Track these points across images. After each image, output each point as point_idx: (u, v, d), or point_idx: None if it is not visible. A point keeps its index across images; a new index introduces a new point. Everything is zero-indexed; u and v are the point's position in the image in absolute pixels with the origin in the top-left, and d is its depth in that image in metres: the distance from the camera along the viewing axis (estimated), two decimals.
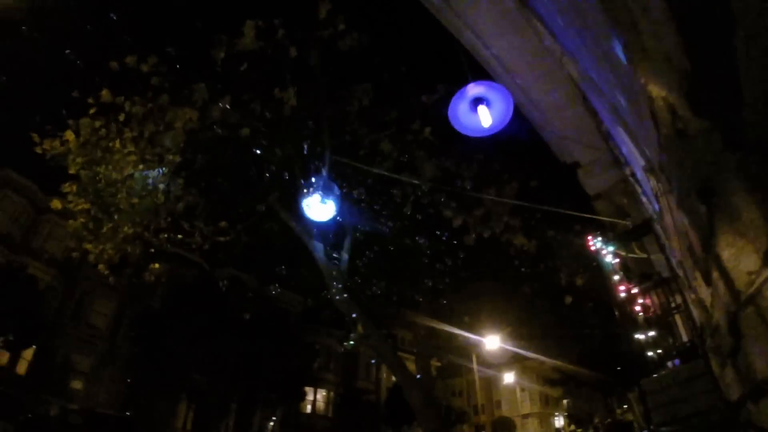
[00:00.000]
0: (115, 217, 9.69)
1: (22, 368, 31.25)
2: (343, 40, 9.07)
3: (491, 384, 57.64)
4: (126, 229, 9.79)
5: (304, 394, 37.62)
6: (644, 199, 7.24)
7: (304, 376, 35.03)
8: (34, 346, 31.09)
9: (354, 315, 9.65)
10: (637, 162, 5.48)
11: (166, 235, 10.29)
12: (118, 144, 9.32)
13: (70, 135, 9.27)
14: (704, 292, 3.68)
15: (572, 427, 45.93)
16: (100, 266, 10.25)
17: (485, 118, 5.36)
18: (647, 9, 2.03)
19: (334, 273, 9.79)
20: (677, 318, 7.49)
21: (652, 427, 5.97)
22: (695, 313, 6.02)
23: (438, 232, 11.09)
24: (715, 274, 2.62)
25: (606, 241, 8.97)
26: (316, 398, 42.67)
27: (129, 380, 31.98)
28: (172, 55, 9.46)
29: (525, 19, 6.69)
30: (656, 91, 2.27)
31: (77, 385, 33.37)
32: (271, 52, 8.93)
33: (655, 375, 6.76)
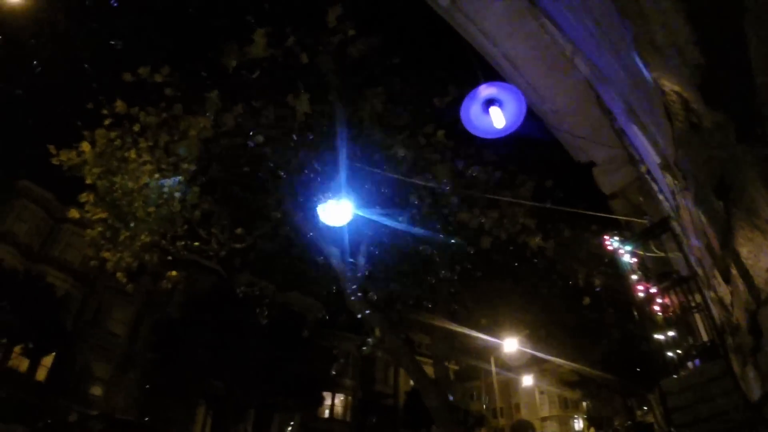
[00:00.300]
0: (132, 225, 9.80)
1: (41, 375, 31.76)
2: (353, 45, 9.13)
3: (510, 387, 57.12)
4: (143, 237, 9.90)
5: (322, 399, 37.67)
6: (661, 197, 7.15)
7: (322, 380, 35.09)
8: (53, 353, 31.60)
9: (371, 320, 9.65)
10: (652, 159, 5.42)
11: (183, 243, 10.39)
12: (133, 154, 9.45)
13: (86, 146, 9.41)
14: (723, 290, 3.62)
15: (592, 429, 45.36)
16: (118, 274, 10.37)
17: (498, 120, 5.35)
18: (656, 1, 2.01)
19: (351, 278, 9.80)
20: (697, 317, 7.36)
21: (672, 428, 5.89)
22: (715, 311, 5.94)
23: (454, 235, 11.02)
24: (734, 272, 2.58)
25: (623, 241, 8.86)
26: (334, 403, 42.70)
27: (147, 386, 32.26)
28: (184, 65, 9.57)
29: (534, 18, 6.68)
30: (668, 84, 2.24)
31: (96, 391, 33.80)
32: (282, 59, 9.00)
33: (675, 376, 6.67)
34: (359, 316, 9.73)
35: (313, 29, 9.03)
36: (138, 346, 35.36)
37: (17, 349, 29.54)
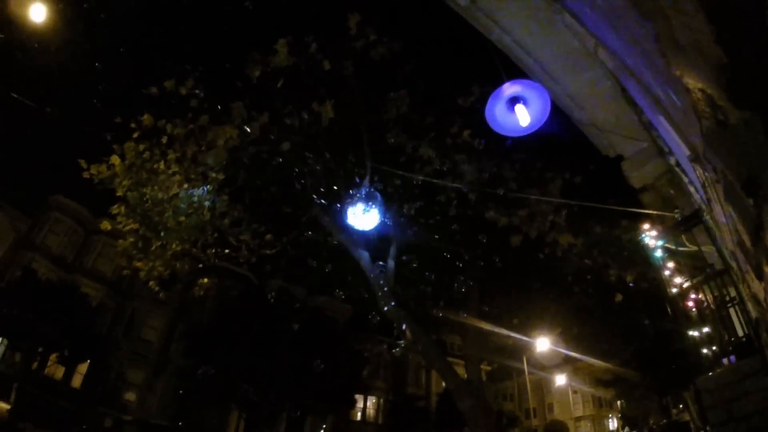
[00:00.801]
0: (163, 235, 9.96)
1: (77, 382, 32.68)
2: (375, 50, 9.13)
3: (543, 387, 56.45)
4: (174, 246, 10.06)
5: (354, 402, 37.76)
6: (691, 189, 7.00)
7: (354, 383, 35.17)
8: (88, 361, 32.44)
9: (402, 322, 9.64)
10: (681, 151, 5.31)
11: (213, 251, 10.54)
12: (162, 165, 9.58)
13: (115, 159, 9.55)
14: (757, 287, 3.54)
15: (626, 429, 44.46)
16: (151, 283, 10.57)
17: (523, 117, 5.29)
18: (676, 1, 1.98)
19: (381, 281, 9.79)
20: (732, 312, 7.19)
21: (708, 427, 5.78)
22: (750, 306, 5.79)
23: (483, 234, 10.96)
24: (767, 268, 2.53)
25: (655, 235, 8.71)
26: (366, 405, 42.82)
27: (181, 391, 32.82)
28: (208, 77, 9.71)
29: (555, 13, 6.60)
30: (692, 83, 2.21)
31: (130, 397, 34.57)
32: (305, 67, 9.06)
33: (710, 373, 6.54)
34: (390, 318, 9.73)
35: (335, 36, 9.08)
36: (171, 352, 36.02)
37: (53, 357, 30.43)
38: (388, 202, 9.00)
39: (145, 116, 9.41)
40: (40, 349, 29.10)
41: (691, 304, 7.96)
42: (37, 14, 9.52)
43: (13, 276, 30.21)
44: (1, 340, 29.79)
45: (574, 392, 55.74)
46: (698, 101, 2.26)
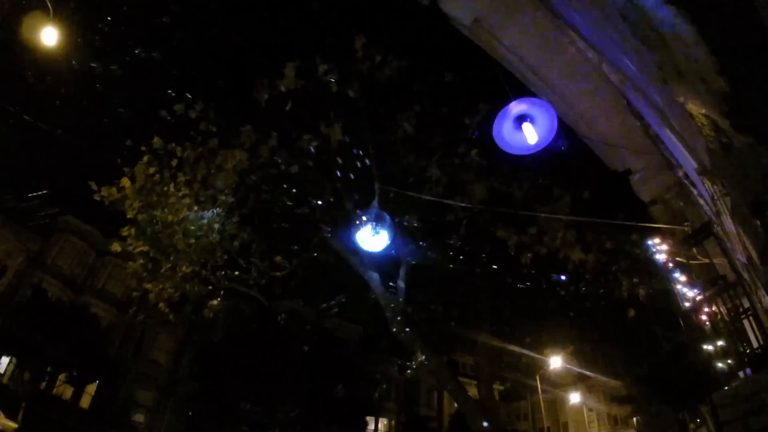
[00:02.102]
0: (173, 257, 10.00)
1: (85, 402, 32.54)
2: (381, 71, 9.22)
3: (557, 405, 55.46)
4: (184, 268, 10.10)
5: (365, 424, 37.25)
6: (701, 201, 6.96)
7: (365, 405, 34.77)
8: (97, 381, 32.34)
9: (413, 343, 9.58)
10: (689, 164, 5.30)
11: (223, 273, 10.58)
12: (172, 188, 9.66)
13: (126, 182, 9.63)
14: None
15: None
16: (161, 304, 10.60)
17: (531, 136, 5.31)
18: (676, 33, 2.01)
19: (392, 302, 9.77)
20: (746, 323, 7.10)
21: None
22: (765, 318, 5.72)
23: (494, 253, 10.92)
24: None
25: (666, 249, 8.64)
26: (377, 427, 42.19)
27: (190, 413, 32.61)
28: (217, 101, 9.84)
29: (559, 30, 6.65)
30: (696, 109, 2.24)
31: (140, 418, 34.41)
32: (312, 90, 9.16)
33: (726, 387, 6.44)
34: (401, 339, 9.67)
35: (341, 58, 9.18)
36: (180, 373, 35.90)
37: (62, 377, 30.36)
38: (398, 223, 8.99)
39: (156, 139, 9.50)
40: (48, 369, 29.08)
41: (704, 317, 7.87)
42: (49, 38, 9.68)
43: (24, 296, 30.40)
44: (10, 359, 29.90)
45: (589, 410, 54.73)
46: (703, 126, 2.29)
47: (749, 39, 1.71)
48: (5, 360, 30.27)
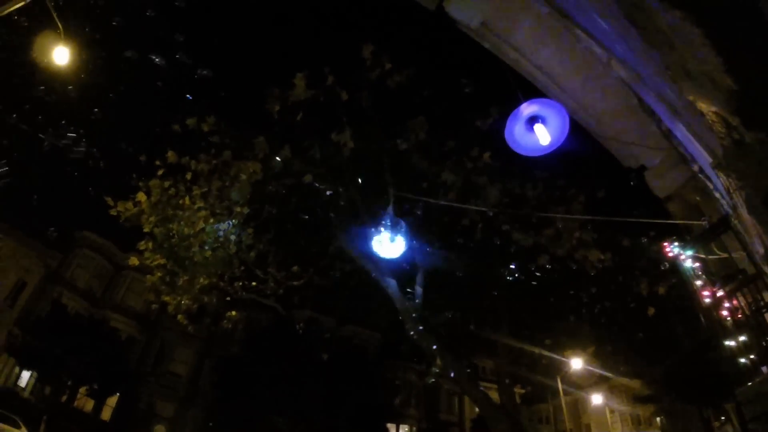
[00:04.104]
0: (191, 269, 10.07)
1: (106, 414, 32.91)
2: (391, 78, 9.25)
3: (579, 407, 54.81)
4: (202, 280, 10.18)
5: (386, 431, 37.17)
6: (717, 195, 6.88)
7: (386, 412, 34.64)
8: (117, 394, 32.65)
9: (432, 348, 9.54)
10: (703, 158, 5.25)
11: (240, 284, 10.64)
12: (187, 201, 9.75)
13: (141, 196, 9.75)
14: None
15: None
16: (179, 316, 10.69)
17: (543, 136, 5.28)
18: (682, 34, 2.03)
19: (410, 308, 9.76)
20: None
21: None
22: None
23: (510, 256, 10.85)
24: None
25: (683, 245, 8.55)
26: None
27: (211, 424, 32.74)
28: (230, 113, 9.94)
29: (567, 29, 6.64)
30: (706, 107, 2.25)
31: (160, 429, 34.65)
32: (323, 99, 9.20)
33: (749, 383, 6.34)
34: (420, 345, 9.64)
35: (351, 67, 9.24)
36: (200, 384, 36.07)
37: (83, 390, 30.72)
38: (413, 229, 8.98)
39: (169, 153, 9.61)
40: (69, 382, 29.40)
41: (725, 312, 7.77)
42: (61, 58, 9.85)
43: (43, 310, 30.83)
44: (31, 373, 30.31)
45: (611, 411, 54.03)
46: (714, 123, 2.31)
47: (755, 39, 1.72)
48: (26, 374, 30.75)
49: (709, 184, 7.01)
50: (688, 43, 2.02)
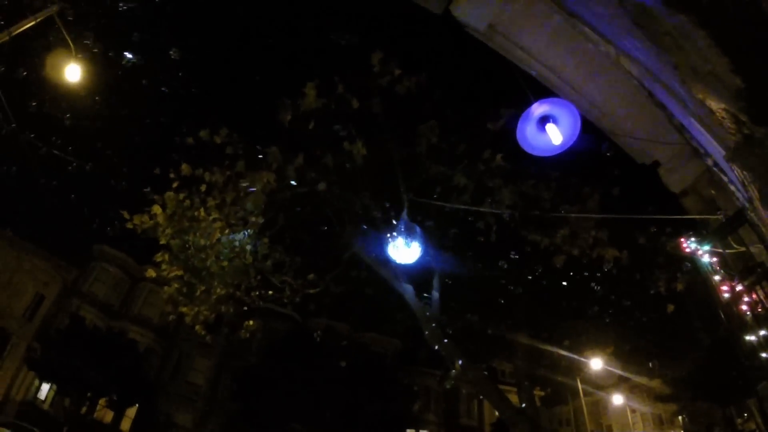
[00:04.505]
0: (207, 280, 10.13)
1: (125, 426, 33.19)
2: (401, 84, 9.25)
3: (599, 408, 54.15)
4: (219, 290, 10.24)
5: None
6: (732, 188, 6.81)
7: (405, 418, 34.49)
8: (137, 405, 32.90)
9: (450, 353, 9.50)
10: (717, 151, 5.20)
11: (257, 293, 10.68)
12: (202, 212, 9.81)
13: (157, 209, 9.83)
14: None
15: None
16: (197, 327, 10.74)
17: (555, 136, 5.28)
18: (688, 36, 2.06)
19: (427, 313, 9.73)
20: None
21: None
22: None
23: (525, 257, 10.79)
24: None
25: (700, 240, 8.46)
26: None
27: None
28: (242, 124, 10.01)
29: (573, 27, 6.62)
30: (715, 104, 2.26)
31: None
32: (334, 107, 9.24)
33: None
34: (438, 350, 9.61)
35: (360, 75, 9.26)
36: (219, 394, 36.20)
37: (102, 401, 30.97)
38: (428, 234, 8.97)
39: (183, 166, 9.69)
40: (88, 394, 29.60)
41: (744, 307, 7.67)
42: (73, 75, 10.00)
43: (62, 323, 31.20)
44: (51, 386, 30.65)
45: (633, 411, 53.32)
46: (724, 119, 2.32)
47: (760, 38, 1.76)
48: (46, 387, 31.11)
49: (723, 177, 6.93)
50: (694, 45, 2.05)
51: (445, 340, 9.39)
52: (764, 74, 1.87)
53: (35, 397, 31.04)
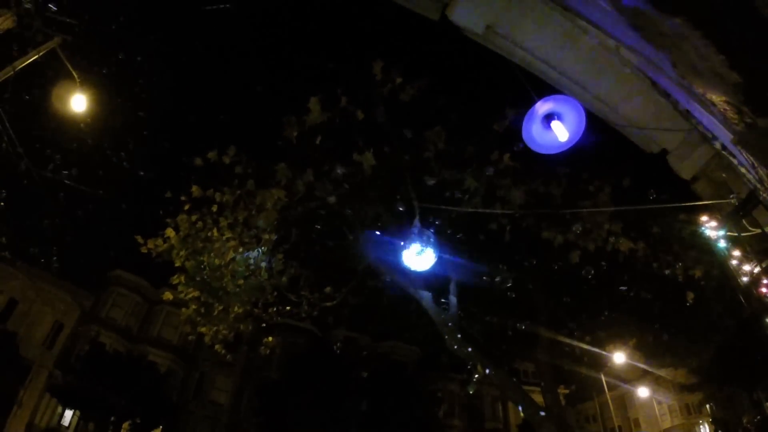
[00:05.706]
0: (224, 299, 10.23)
1: None
2: (404, 92, 9.28)
3: (625, 402, 53.60)
4: (236, 309, 10.31)
5: None
6: (743, 170, 6.76)
7: (430, 425, 34.32)
8: (161, 426, 33.06)
9: (472, 357, 9.48)
10: (724, 135, 5.19)
11: (274, 309, 10.76)
12: (215, 232, 9.91)
13: (170, 232, 9.94)
14: None
15: None
16: (217, 346, 10.84)
17: (561, 133, 5.28)
18: (684, 36, 2.09)
19: (446, 319, 9.72)
20: None
21: None
22: None
23: (540, 256, 10.75)
24: None
25: (715, 225, 8.40)
26: None
27: None
28: (249, 143, 10.10)
29: (571, 22, 6.63)
30: (716, 97, 2.29)
31: None
32: (339, 120, 9.28)
33: None
34: (459, 355, 9.58)
35: (362, 85, 9.32)
36: (242, 412, 36.30)
37: (126, 425, 31.10)
38: (441, 239, 8.98)
39: (194, 188, 9.78)
40: (112, 418, 29.90)
41: (764, 289, 7.60)
42: (78, 105, 10.17)
43: (82, 349, 31.49)
44: (74, 412, 30.87)
45: (659, 403, 52.67)
46: (726, 110, 2.36)
47: (754, 35, 1.80)
48: (69, 413, 31.36)
49: (733, 159, 6.88)
50: (690, 44, 2.10)
51: (466, 345, 9.37)
52: (760, 70, 1.92)
53: (59, 424, 31.36)
